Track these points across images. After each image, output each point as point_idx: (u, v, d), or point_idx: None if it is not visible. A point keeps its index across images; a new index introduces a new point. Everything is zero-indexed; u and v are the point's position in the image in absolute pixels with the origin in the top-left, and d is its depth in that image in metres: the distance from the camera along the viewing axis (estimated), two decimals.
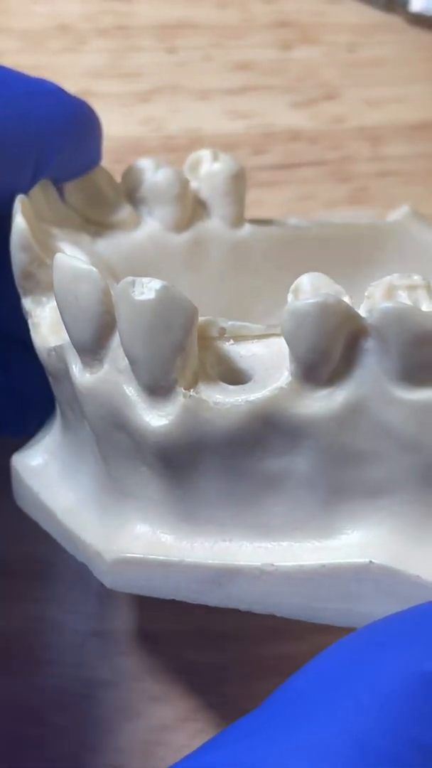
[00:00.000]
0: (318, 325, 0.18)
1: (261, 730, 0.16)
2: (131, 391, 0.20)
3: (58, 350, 0.22)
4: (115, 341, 0.20)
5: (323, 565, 0.19)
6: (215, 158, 0.27)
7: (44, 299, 0.23)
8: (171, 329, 0.19)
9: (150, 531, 0.21)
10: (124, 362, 0.20)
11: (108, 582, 0.21)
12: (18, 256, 0.23)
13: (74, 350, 0.21)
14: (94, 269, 0.20)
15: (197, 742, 0.28)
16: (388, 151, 0.35)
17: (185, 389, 0.19)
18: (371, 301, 0.19)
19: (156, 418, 0.20)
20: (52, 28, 0.36)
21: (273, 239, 0.28)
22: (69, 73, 0.35)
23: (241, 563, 0.20)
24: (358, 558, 0.19)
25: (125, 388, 0.20)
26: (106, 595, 0.30)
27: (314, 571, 0.19)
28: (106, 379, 0.20)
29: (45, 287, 0.23)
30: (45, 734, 0.29)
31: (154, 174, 0.26)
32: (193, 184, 0.27)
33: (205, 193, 0.27)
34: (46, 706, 0.29)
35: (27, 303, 0.23)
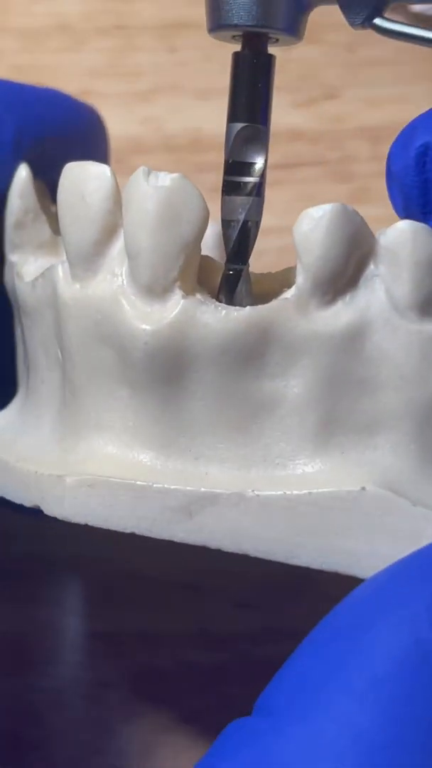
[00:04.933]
0: (333, 230, 0.18)
1: (267, 731, 0.16)
2: (125, 293, 0.19)
3: (47, 272, 0.20)
4: (115, 248, 0.19)
5: (310, 493, 0.18)
6: None
7: (32, 259, 0.22)
8: (180, 222, 0.18)
9: (119, 453, 0.19)
10: (123, 266, 0.19)
11: (65, 510, 0.19)
12: (15, 203, 0.22)
13: (66, 263, 0.20)
14: (108, 167, 0.19)
15: (197, 743, 0.28)
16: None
17: (184, 292, 0.19)
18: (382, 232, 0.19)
19: (149, 320, 0.19)
20: (51, 27, 0.36)
21: None
22: (69, 72, 0.35)
23: (218, 490, 0.18)
24: (349, 486, 0.18)
25: (119, 290, 0.19)
26: (105, 596, 0.30)
27: (299, 500, 0.18)
28: (98, 286, 0.19)
29: (35, 246, 0.22)
30: (45, 735, 0.29)
31: None
32: None
33: None
34: (46, 706, 0.29)
35: (14, 257, 0.22)
